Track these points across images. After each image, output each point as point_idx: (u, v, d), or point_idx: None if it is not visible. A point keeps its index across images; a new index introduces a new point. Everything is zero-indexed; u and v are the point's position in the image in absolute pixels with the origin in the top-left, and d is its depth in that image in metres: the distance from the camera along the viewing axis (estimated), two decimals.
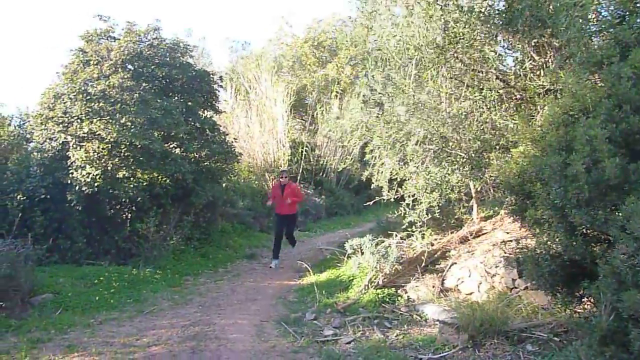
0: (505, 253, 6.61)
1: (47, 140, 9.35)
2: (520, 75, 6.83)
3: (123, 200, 9.29)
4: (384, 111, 7.60)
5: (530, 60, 6.65)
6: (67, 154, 9.11)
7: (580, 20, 5.50)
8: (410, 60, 7.06)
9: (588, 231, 4.25)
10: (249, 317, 6.61)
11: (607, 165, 3.82)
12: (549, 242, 4.68)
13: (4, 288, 6.36)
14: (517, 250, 5.90)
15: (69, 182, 8.91)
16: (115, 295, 7.41)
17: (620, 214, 3.76)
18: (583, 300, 4.69)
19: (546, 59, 6.59)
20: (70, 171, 8.94)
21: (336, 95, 19.20)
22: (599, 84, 4.60)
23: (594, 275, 3.94)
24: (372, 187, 8.94)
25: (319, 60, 22.56)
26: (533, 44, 6.65)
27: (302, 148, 17.73)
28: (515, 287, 6.18)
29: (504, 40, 7.12)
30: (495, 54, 6.96)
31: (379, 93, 7.58)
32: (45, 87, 9.92)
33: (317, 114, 19.24)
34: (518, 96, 7.04)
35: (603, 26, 5.31)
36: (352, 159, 16.87)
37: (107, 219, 9.50)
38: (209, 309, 7.09)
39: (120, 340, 5.60)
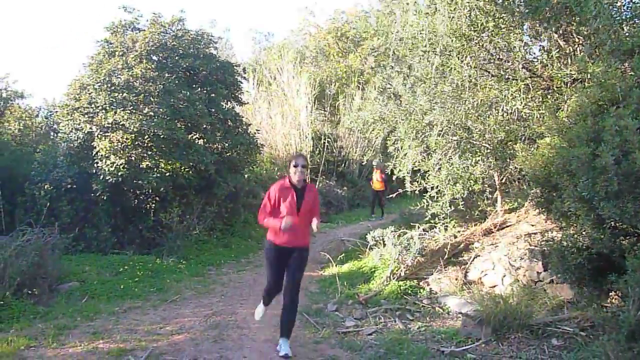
0: (530, 246, 6.50)
1: (73, 131, 9.50)
2: (546, 64, 6.67)
3: (147, 190, 9.40)
4: (405, 102, 7.52)
5: (557, 48, 6.48)
6: (92, 144, 9.26)
7: (610, 8, 5.34)
8: (433, 49, 6.96)
9: (617, 224, 4.14)
10: (271, 307, 6.60)
11: (638, 157, 3.71)
12: (576, 235, 4.59)
13: (32, 276, 6.52)
14: (543, 242, 5.79)
15: (94, 172, 9.06)
16: (139, 284, 7.52)
17: None
18: (610, 294, 4.59)
19: (574, 48, 6.42)
20: (96, 161, 9.08)
21: (359, 87, 19.11)
22: (630, 73, 4.47)
23: (622, 269, 3.84)
24: (392, 177, 8.86)
25: (342, 51, 22.47)
26: (560, 32, 6.48)
27: (325, 139, 17.69)
28: (540, 281, 6.08)
29: (530, 28, 6.95)
30: (521, 42, 6.81)
31: (392, 85, 7.49)
32: (72, 78, 10.09)
33: (339, 105, 19.17)
34: (544, 86, 6.88)
35: (634, 13, 5.15)
36: (374, 150, 16.81)
37: (131, 208, 9.63)
38: (231, 298, 7.14)
39: (144, 328, 5.68)
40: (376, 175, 14.73)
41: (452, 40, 6.73)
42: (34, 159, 9.65)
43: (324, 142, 17.56)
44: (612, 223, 4.14)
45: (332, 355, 4.95)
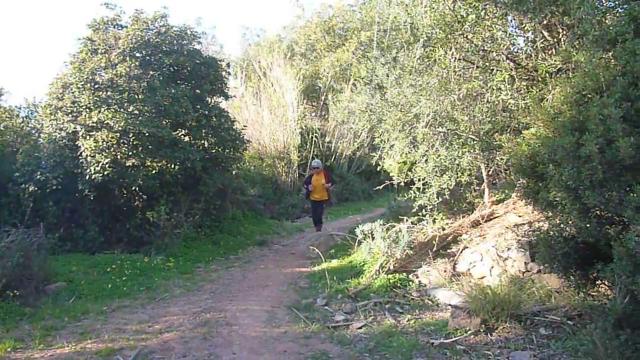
0: (517, 236, 6.54)
1: (57, 131, 9.37)
2: (531, 55, 6.70)
3: (133, 188, 9.31)
4: (391, 94, 7.51)
5: (541, 39, 6.51)
6: (77, 143, 9.15)
7: None
8: (417, 41, 6.95)
9: (602, 213, 4.16)
10: (260, 303, 6.62)
11: (622, 144, 3.72)
12: (562, 225, 4.61)
13: (18, 277, 6.44)
14: (530, 233, 5.82)
15: (80, 171, 8.96)
16: (127, 283, 7.47)
17: (635, 195, 3.68)
18: (597, 282, 4.63)
19: (558, 38, 6.44)
20: (81, 161, 8.98)
21: (347, 81, 19.08)
22: (613, 62, 4.47)
23: (609, 258, 3.86)
24: (381, 171, 8.86)
25: (329, 45, 22.43)
26: (544, 22, 6.50)
27: (312, 134, 17.65)
28: (528, 271, 6.12)
29: (514, 19, 6.97)
30: (505, 33, 6.82)
31: (377, 76, 7.47)
32: (54, 76, 9.94)
33: (328, 99, 19.13)
34: (529, 76, 6.90)
35: (616, 2, 5.16)
36: (361, 143, 16.82)
37: (118, 207, 9.55)
38: (220, 295, 7.11)
39: (133, 327, 5.64)
40: (319, 180, 10.74)
41: (435, 32, 6.72)
42: (16, 159, 9.52)
43: (312, 137, 17.52)
44: (598, 212, 4.16)
45: (322, 349, 4.94)
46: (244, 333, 5.45)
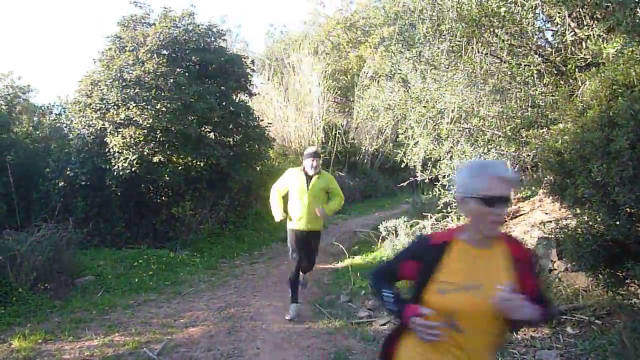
0: (544, 234, 6.42)
1: (86, 127, 9.56)
2: (560, 49, 6.55)
3: (159, 184, 9.46)
4: (415, 89, 7.43)
5: (571, 32, 6.36)
6: (105, 140, 9.31)
7: None
8: (443, 36, 6.85)
9: (632, 210, 4.05)
10: (284, 299, 6.62)
11: None
12: (590, 222, 4.50)
13: (48, 270, 6.61)
14: (557, 230, 5.71)
15: (108, 167, 9.13)
16: (153, 278, 7.59)
17: None
18: (627, 281, 4.50)
19: (588, 32, 6.29)
20: (108, 157, 9.14)
21: (371, 77, 19.01)
22: None
23: (639, 256, 3.77)
24: (404, 167, 8.78)
25: (352, 41, 22.35)
26: (574, 15, 6.35)
27: (336, 130, 17.63)
28: (555, 269, 6.00)
29: (542, 12, 6.82)
30: (534, 27, 6.68)
31: (401, 71, 7.39)
32: (83, 74, 10.12)
33: (352, 96, 19.10)
34: (558, 71, 6.76)
35: None
36: (384, 139, 16.74)
37: (144, 203, 9.70)
38: (244, 290, 7.17)
39: (159, 321, 5.74)
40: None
41: (461, 26, 6.62)
42: (48, 155, 9.74)
43: (335, 133, 17.50)
44: (627, 209, 4.05)
45: (346, 345, 4.95)
46: (268, 328, 5.49)
